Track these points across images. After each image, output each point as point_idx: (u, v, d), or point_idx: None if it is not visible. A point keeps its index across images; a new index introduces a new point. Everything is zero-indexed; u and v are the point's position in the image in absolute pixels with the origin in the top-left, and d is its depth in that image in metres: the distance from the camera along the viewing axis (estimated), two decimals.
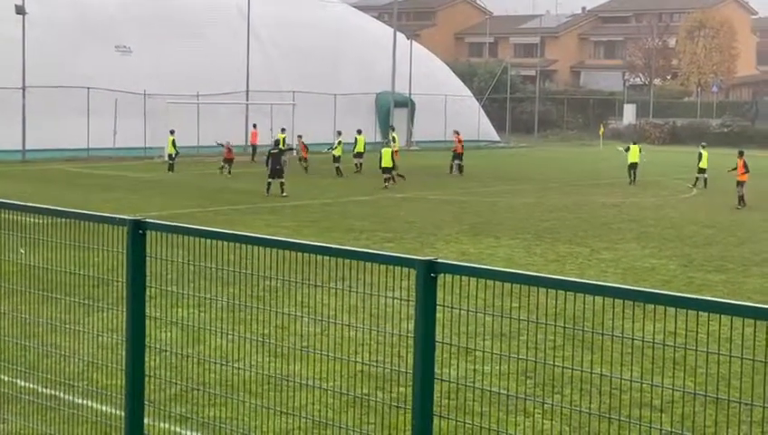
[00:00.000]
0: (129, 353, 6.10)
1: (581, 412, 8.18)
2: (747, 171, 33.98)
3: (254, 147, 51.60)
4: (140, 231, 6.03)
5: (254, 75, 58.56)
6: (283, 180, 33.89)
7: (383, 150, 38.98)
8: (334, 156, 42.62)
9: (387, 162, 37.97)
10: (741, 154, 34.70)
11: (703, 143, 43.65)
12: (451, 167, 45.31)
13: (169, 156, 43.46)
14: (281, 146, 38.08)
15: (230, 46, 58.85)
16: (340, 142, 43.60)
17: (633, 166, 41.79)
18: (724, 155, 60.51)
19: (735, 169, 34.52)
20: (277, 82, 60.73)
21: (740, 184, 33.77)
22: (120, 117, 52.22)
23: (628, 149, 42.36)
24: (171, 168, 42.74)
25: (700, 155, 39.99)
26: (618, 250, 22.93)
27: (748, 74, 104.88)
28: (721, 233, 26.67)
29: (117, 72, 54.36)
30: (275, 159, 34.27)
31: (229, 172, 41.03)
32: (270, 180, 34.07)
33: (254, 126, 53.55)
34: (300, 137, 45.05)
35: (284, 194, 33.26)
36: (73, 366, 8.23)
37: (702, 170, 39.63)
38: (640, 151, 42.65)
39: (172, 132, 43.74)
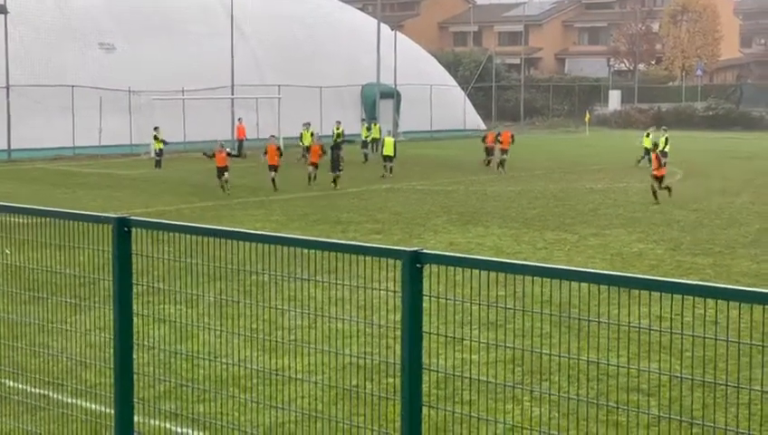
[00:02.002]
0: (117, 351, 6.10)
1: (570, 399, 8.22)
2: (661, 166, 30.39)
3: (241, 141, 51.27)
4: (126, 229, 6.03)
5: (238, 70, 58.36)
6: (338, 174, 34.02)
7: (386, 139, 39.83)
8: (304, 146, 43.35)
9: (389, 151, 38.43)
10: (655, 147, 31.97)
11: (664, 127, 46.49)
12: (492, 162, 42.37)
13: (156, 152, 43.35)
14: (337, 139, 37.13)
15: (214, 41, 58.62)
16: (302, 134, 44.66)
17: (647, 151, 42.97)
18: (710, 139, 60.75)
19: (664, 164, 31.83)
20: (262, 75, 60.57)
21: (655, 178, 30.22)
22: (105, 114, 51.99)
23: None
24: (158, 164, 42.59)
25: (666, 139, 41.03)
26: (605, 236, 23.00)
27: (732, 57, 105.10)
28: (708, 216, 26.76)
29: (101, 69, 54.13)
30: (333, 153, 34.59)
31: (223, 188, 32.56)
32: (332, 173, 34.11)
33: (240, 120, 53.24)
34: (273, 136, 38.93)
35: (337, 188, 33.39)
36: (62, 365, 8.22)
37: (665, 154, 40.71)
38: (647, 136, 43.61)
39: (156, 139, 43.59)
